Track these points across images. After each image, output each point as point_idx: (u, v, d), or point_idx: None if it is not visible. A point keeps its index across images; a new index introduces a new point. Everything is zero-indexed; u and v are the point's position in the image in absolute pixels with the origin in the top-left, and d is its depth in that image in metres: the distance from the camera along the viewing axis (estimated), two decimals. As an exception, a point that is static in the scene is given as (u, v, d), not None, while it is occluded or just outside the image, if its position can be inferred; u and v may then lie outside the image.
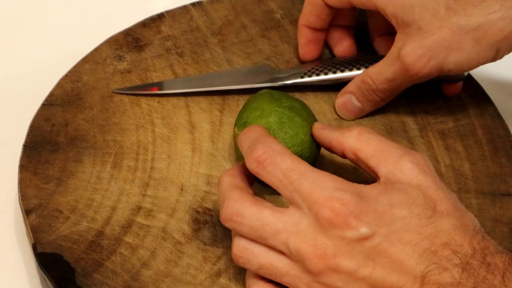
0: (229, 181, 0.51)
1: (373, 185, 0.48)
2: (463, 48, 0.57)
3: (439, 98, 0.65)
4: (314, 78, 0.64)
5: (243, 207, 0.48)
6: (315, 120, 0.57)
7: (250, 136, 0.51)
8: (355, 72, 0.63)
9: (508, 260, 0.45)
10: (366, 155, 0.50)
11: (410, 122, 0.63)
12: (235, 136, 0.57)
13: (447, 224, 0.46)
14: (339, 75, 0.64)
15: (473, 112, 0.64)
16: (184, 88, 0.64)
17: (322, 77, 0.64)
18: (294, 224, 0.47)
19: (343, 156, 0.52)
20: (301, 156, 0.54)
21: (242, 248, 0.49)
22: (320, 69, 0.64)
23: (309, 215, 0.47)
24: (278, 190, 0.49)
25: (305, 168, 0.48)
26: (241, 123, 0.57)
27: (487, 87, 0.66)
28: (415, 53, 0.58)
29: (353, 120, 0.63)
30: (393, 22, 0.59)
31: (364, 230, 0.46)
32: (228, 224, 0.49)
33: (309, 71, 0.64)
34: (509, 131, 0.63)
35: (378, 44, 0.67)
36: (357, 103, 0.62)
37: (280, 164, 0.48)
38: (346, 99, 0.63)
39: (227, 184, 0.51)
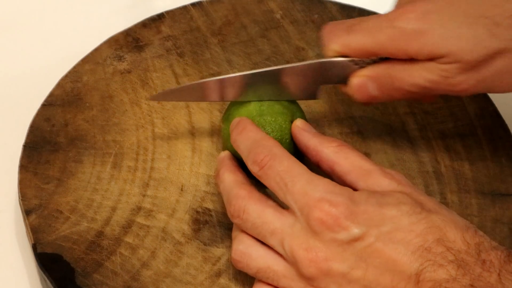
0: (232, 178, 0.51)
1: (362, 191, 0.48)
2: None
3: (439, 98, 0.65)
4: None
5: (249, 205, 0.49)
6: (300, 110, 0.57)
7: (248, 137, 0.51)
8: None
9: (503, 257, 0.45)
10: (342, 169, 0.50)
11: (410, 122, 0.63)
12: (221, 130, 0.57)
13: (437, 220, 0.46)
14: None
15: (473, 112, 0.64)
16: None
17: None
18: (290, 226, 0.48)
19: (317, 165, 0.52)
20: (281, 141, 0.54)
21: (240, 253, 0.49)
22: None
23: (301, 218, 0.47)
24: (276, 194, 0.49)
25: (300, 170, 0.48)
26: (225, 116, 0.57)
27: (487, 87, 0.66)
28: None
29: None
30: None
31: (355, 231, 0.46)
32: (235, 221, 0.50)
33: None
34: (509, 131, 0.63)
35: None
36: (372, 91, 0.56)
37: (276, 167, 0.49)
38: (361, 82, 0.55)
39: (232, 180, 0.51)
